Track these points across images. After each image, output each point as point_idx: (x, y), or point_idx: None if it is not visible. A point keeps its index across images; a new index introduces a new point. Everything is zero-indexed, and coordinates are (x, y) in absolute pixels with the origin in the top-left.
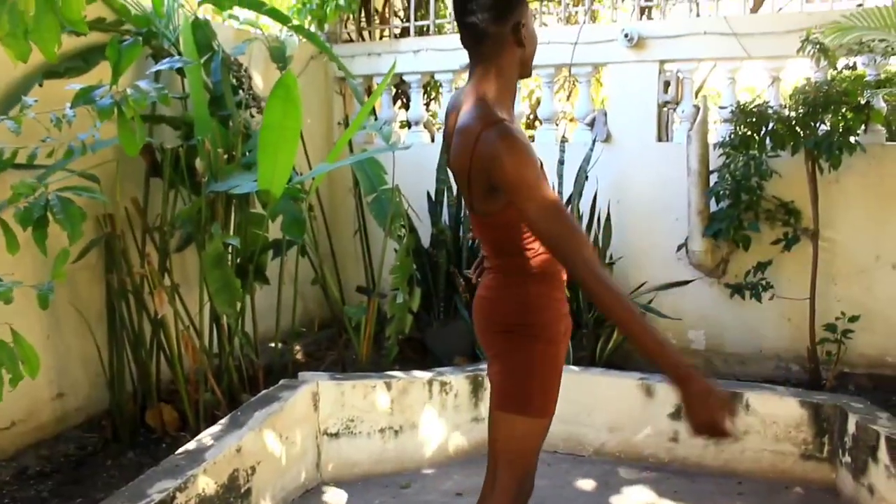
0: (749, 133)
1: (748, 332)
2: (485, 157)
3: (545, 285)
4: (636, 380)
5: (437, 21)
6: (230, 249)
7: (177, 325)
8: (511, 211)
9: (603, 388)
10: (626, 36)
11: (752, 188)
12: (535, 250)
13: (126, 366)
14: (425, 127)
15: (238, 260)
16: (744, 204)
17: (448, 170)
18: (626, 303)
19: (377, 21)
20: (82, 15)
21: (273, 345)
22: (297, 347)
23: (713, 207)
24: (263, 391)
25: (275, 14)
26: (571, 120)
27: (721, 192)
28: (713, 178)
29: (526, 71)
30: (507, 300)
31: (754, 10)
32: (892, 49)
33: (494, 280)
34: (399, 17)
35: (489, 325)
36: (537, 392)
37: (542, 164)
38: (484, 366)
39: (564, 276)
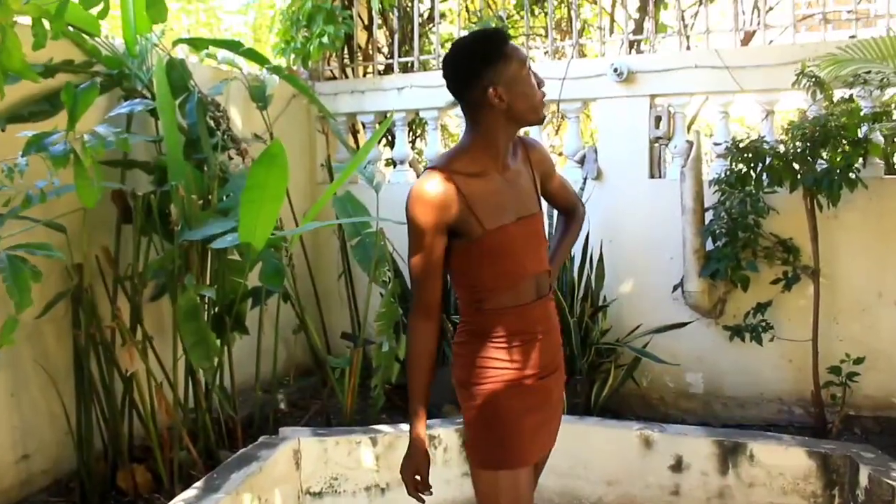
0: (745, 169)
1: (748, 375)
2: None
3: (481, 344)
4: (634, 430)
5: (422, 57)
6: (207, 299)
7: (149, 380)
8: (454, 263)
9: (599, 439)
10: (615, 70)
11: (750, 226)
12: (475, 306)
13: (95, 425)
14: (410, 166)
15: (216, 309)
16: (741, 242)
17: None
18: (412, 369)
19: (360, 58)
20: (24, 63)
21: (255, 394)
22: (280, 396)
23: (709, 246)
24: (242, 450)
25: (251, 55)
26: (560, 154)
27: (717, 231)
28: (708, 216)
29: (523, 120)
30: (454, 355)
31: (745, 42)
32: (888, 81)
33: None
34: (383, 54)
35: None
36: (481, 443)
37: (460, 210)
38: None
39: (520, 340)
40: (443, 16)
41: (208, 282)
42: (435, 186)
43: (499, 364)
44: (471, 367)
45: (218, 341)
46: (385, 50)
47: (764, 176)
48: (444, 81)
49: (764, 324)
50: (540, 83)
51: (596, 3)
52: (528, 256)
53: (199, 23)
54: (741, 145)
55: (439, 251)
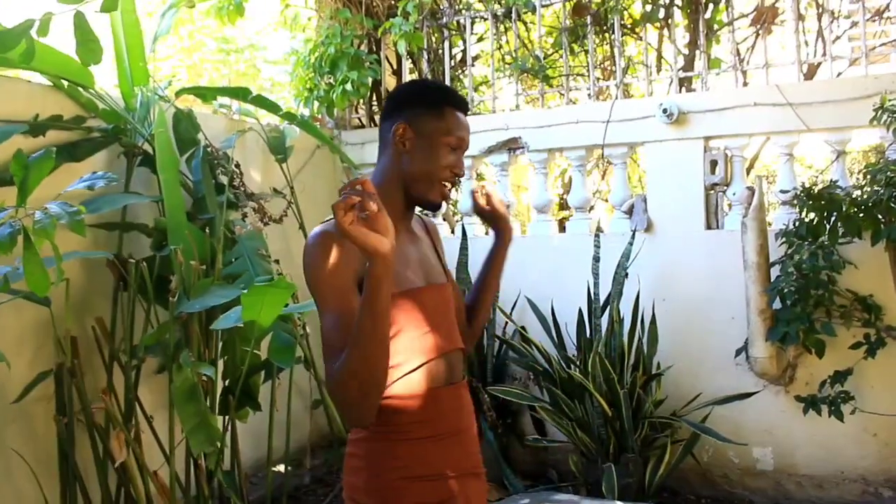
0: (817, 219)
1: (825, 450)
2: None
3: (381, 440)
4: None
5: None
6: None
7: (143, 468)
8: None
9: None
10: (664, 111)
11: (823, 282)
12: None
13: None
14: (444, 219)
15: (226, 382)
16: (813, 300)
17: (467, 269)
18: (347, 364)
19: None
20: None
21: (272, 470)
22: (303, 472)
23: (775, 305)
24: None
25: (262, 102)
26: (606, 200)
27: (786, 289)
28: (774, 272)
29: (413, 186)
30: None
31: (808, 76)
32: None
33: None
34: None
35: None
36: None
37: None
38: (516, 501)
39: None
40: (476, 58)
41: (217, 352)
42: (335, 237)
43: (402, 464)
44: (365, 471)
45: (226, 419)
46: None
47: (839, 226)
48: (478, 127)
49: (844, 395)
50: (455, 167)
51: (641, 38)
52: (439, 329)
53: (238, 74)
54: (813, 192)
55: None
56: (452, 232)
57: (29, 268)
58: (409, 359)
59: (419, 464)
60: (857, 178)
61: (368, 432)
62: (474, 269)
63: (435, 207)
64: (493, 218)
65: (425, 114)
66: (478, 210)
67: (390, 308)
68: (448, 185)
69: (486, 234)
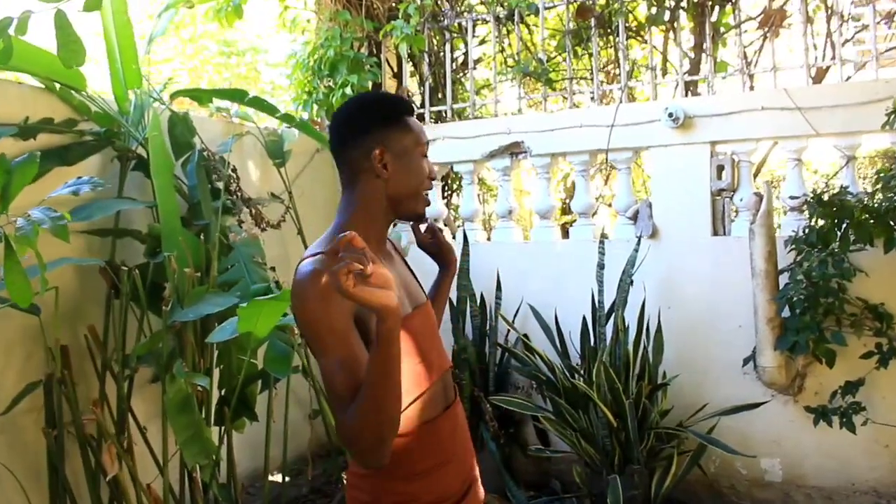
0: (828, 226)
1: (835, 461)
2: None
3: (382, 479)
4: None
5: (455, 106)
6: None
7: (136, 481)
8: None
9: None
10: (670, 115)
11: (833, 290)
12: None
13: None
14: (445, 224)
15: (222, 392)
16: (822, 309)
17: (469, 275)
18: (372, 404)
19: None
20: None
21: (269, 480)
22: (301, 482)
23: (784, 313)
24: None
25: (258, 104)
26: (609, 206)
27: (795, 297)
28: (782, 279)
29: (401, 205)
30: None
31: (817, 80)
32: None
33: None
34: (414, 104)
35: None
36: None
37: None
38: None
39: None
40: (478, 61)
41: (213, 361)
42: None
43: (408, 498)
44: None
45: (222, 429)
46: (416, 99)
47: (850, 233)
48: (480, 131)
49: (855, 406)
50: (431, 173)
51: (646, 41)
52: (430, 354)
53: (239, 77)
54: (823, 198)
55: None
56: (454, 237)
57: (10, 277)
58: (406, 392)
59: (425, 492)
60: (865, 184)
61: (371, 469)
62: (476, 274)
63: (424, 219)
64: (438, 250)
65: (393, 131)
66: (421, 243)
67: (400, 354)
68: (429, 188)
69: (489, 239)
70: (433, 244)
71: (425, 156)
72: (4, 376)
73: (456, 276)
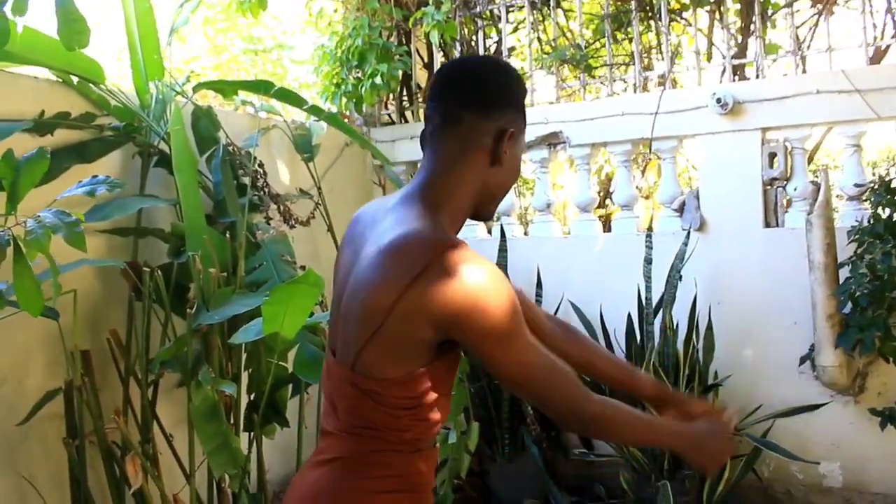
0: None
1: None
2: (444, 300)
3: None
4: None
5: None
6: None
7: (163, 492)
8: (421, 379)
9: None
10: (717, 101)
11: None
12: (414, 446)
13: None
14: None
15: (251, 397)
16: (888, 303)
17: (507, 272)
18: (641, 425)
19: (420, 100)
20: None
21: None
22: None
23: (845, 309)
24: None
25: (285, 95)
26: (647, 198)
27: (857, 292)
28: (843, 273)
29: (486, 206)
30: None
31: (876, 60)
32: None
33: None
34: None
35: None
36: None
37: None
38: None
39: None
40: (512, 49)
41: (241, 366)
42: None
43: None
44: None
45: (251, 435)
46: None
47: None
48: None
49: None
50: None
51: (690, 24)
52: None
53: (265, 74)
54: (891, 185)
55: None
56: (489, 233)
57: (20, 284)
58: (446, 414)
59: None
60: None
61: (395, 488)
62: (514, 270)
63: (491, 216)
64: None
65: (520, 117)
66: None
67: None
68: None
69: (526, 234)
70: None
71: None
72: (24, 384)
73: None
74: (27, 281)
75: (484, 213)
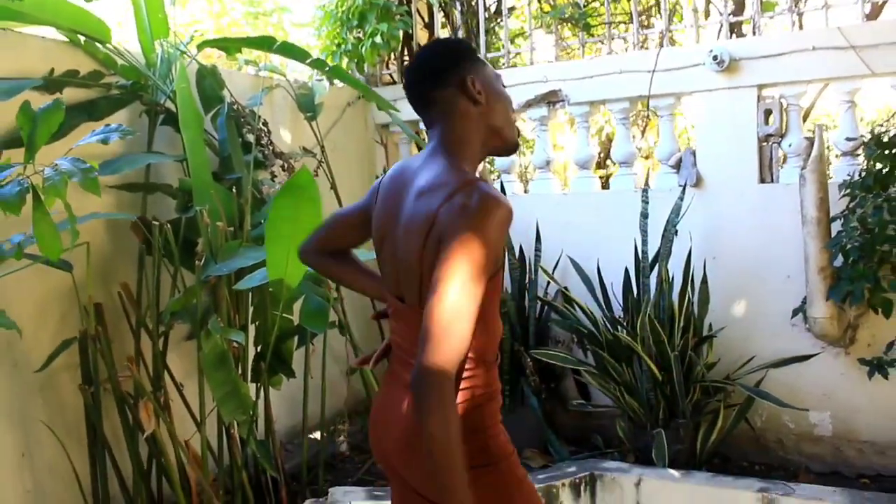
0: (886, 169)
1: (888, 416)
2: (456, 219)
3: (489, 408)
4: (754, 491)
5: (490, 55)
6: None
7: (174, 438)
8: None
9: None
10: (714, 58)
11: (891, 237)
12: (483, 360)
13: (119, 488)
14: (481, 177)
15: (258, 348)
16: (878, 257)
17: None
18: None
19: None
20: None
21: (304, 440)
22: (341, 439)
23: (837, 262)
24: None
25: (288, 50)
26: (647, 157)
27: (848, 245)
28: (835, 227)
29: (498, 136)
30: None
31: (872, 16)
32: None
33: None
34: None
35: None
36: None
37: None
38: (562, 469)
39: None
40: (511, 9)
41: (249, 317)
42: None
43: (501, 425)
44: (486, 435)
45: (258, 386)
46: None
47: None
48: (515, 80)
49: None
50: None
51: None
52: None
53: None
54: (882, 139)
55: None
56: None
57: (39, 230)
58: (501, 330)
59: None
60: None
61: (481, 400)
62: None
63: (515, 149)
64: None
65: (478, 63)
66: None
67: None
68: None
69: (526, 191)
70: None
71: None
72: (40, 334)
73: None
74: (46, 226)
75: (502, 146)
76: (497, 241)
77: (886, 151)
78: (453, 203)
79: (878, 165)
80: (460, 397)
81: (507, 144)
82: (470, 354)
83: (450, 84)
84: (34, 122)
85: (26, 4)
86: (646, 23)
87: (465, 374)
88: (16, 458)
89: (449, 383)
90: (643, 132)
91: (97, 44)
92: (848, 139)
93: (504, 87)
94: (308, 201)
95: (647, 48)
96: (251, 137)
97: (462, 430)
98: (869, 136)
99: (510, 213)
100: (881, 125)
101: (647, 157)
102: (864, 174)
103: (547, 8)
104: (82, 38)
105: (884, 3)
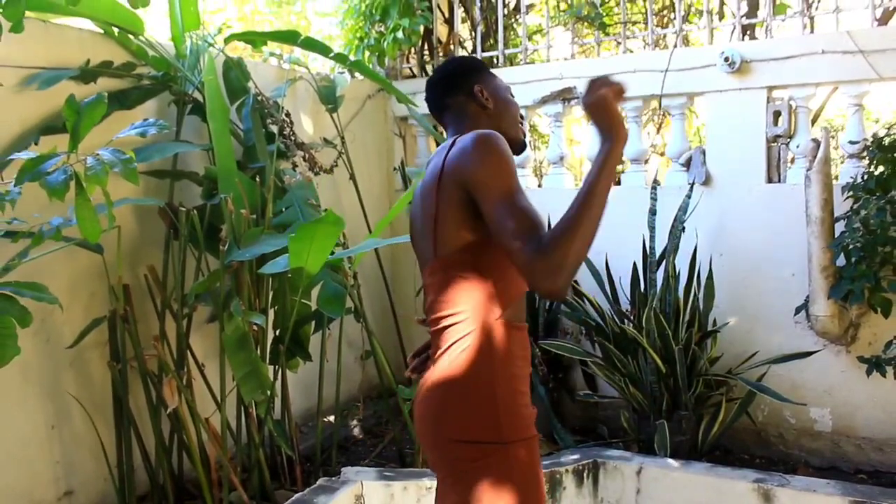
0: (888, 172)
1: (886, 412)
2: (456, 159)
3: (504, 373)
4: (751, 482)
5: (507, 51)
6: (265, 321)
7: (195, 415)
8: (488, 245)
9: (709, 492)
10: (726, 59)
11: (892, 238)
12: (494, 316)
13: (142, 461)
14: None
15: (276, 332)
16: (880, 258)
17: None
18: (586, 205)
19: (441, 54)
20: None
21: (319, 422)
22: (354, 422)
23: (839, 262)
24: (296, 496)
25: (312, 45)
26: (662, 154)
27: (851, 245)
28: (839, 227)
29: (507, 134)
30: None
31: (883, 22)
32: None
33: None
34: (465, 49)
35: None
36: None
37: None
38: (566, 456)
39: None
40: (530, 6)
41: (269, 302)
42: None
43: (525, 401)
44: (497, 405)
45: (276, 368)
46: (468, 44)
47: None
48: (532, 76)
49: None
50: (519, 109)
51: None
52: None
53: (289, 25)
54: (884, 143)
55: None
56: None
57: (81, 214)
58: (520, 291)
59: (522, 384)
60: None
61: (486, 360)
62: None
63: (524, 148)
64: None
65: (485, 74)
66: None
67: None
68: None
69: (540, 186)
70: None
71: (511, 93)
72: (71, 313)
73: None
74: (87, 211)
75: (512, 137)
76: (505, 153)
77: (888, 155)
78: (453, 152)
79: (881, 168)
80: (473, 348)
81: (514, 143)
82: (493, 306)
83: (461, 92)
84: (79, 115)
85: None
86: (662, 22)
87: (484, 327)
88: (46, 430)
89: (553, 239)
90: (658, 129)
91: (130, 35)
92: (851, 142)
93: (512, 96)
94: (332, 225)
95: (665, 47)
96: (274, 128)
97: (467, 396)
98: (871, 138)
99: (501, 137)
100: (887, 129)
101: (662, 154)
102: (866, 176)
103: (565, 7)
104: (116, 30)
105: (894, 9)
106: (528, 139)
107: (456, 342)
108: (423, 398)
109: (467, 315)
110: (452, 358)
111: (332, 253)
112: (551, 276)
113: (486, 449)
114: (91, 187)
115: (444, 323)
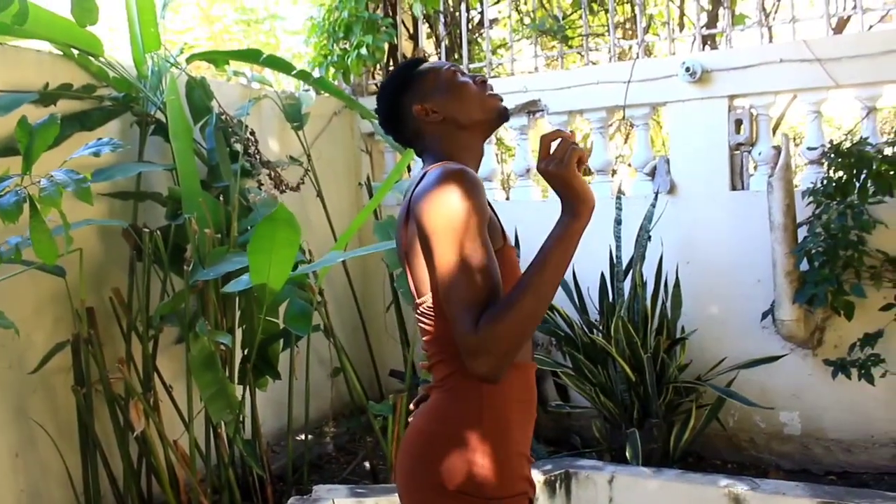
0: (846, 177)
1: (854, 414)
2: (419, 199)
3: (494, 419)
4: (721, 487)
5: (472, 66)
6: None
7: (163, 437)
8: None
9: (679, 498)
10: (687, 70)
11: (853, 242)
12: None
13: (110, 486)
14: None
15: (245, 351)
16: (842, 262)
17: None
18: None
19: None
20: None
21: (290, 440)
22: (327, 440)
23: (803, 266)
24: None
25: (274, 62)
26: (629, 165)
27: (813, 250)
28: (801, 232)
29: (475, 122)
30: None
31: (838, 31)
32: None
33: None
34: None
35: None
36: None
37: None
38: (538, 467)
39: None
40: (494, 21)
41: (236, 321)
42: (476, 178)
43: (519, 450)
44: (483, 455)
45: (245, 388)
46: (433, 59)
47: (869, 184)
48: (496, 90)
49: (874, 358)
50: (475, 78)
51: None
52: None
53: (258, 44)
54: (842, 149)
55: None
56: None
57: (36, 236)
58: None
59: (517, 427)
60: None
61: (473, 405)
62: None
63: (505, 115)
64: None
65: (414, 85)
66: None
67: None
68: (489, 91)
69: (507, 198)
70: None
71: (455, 74)
72: (34, 337)
73: None
74: (42, 234)
75: (485, 123)
76: (471, 195)
77: (846, 160)
78: (418, 190)
79: (840, 173)
80: (458, 389)
81: (491, 119)
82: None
83: (406, 122)
84: (31, 136)
85: (7, 13)
86: (625, 34)
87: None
88: (10, 459)
89: (492, 319)
90: (626, 139)
91: (90, 57)
92: (810, 148)
93: (464, 73)
94: (288, 229)
95: (629, 58)
96: (239, 147)
97: (448, 442)
98: (828, 144)
99: (472, 173)
100: (845, 135)
101: (629, 165)
102: (825, 182)
103: (528, 21)
104: (76, 52)
105: (849, 17)
106: (502, 104)
107: (443, 379)
108: (404, 438)
109: (452, 355)
110: (439, 399)
111: (296, 268)
112: (480, 357)
113: (449, 499)
114: (45, 209)
115: (433, 360)
